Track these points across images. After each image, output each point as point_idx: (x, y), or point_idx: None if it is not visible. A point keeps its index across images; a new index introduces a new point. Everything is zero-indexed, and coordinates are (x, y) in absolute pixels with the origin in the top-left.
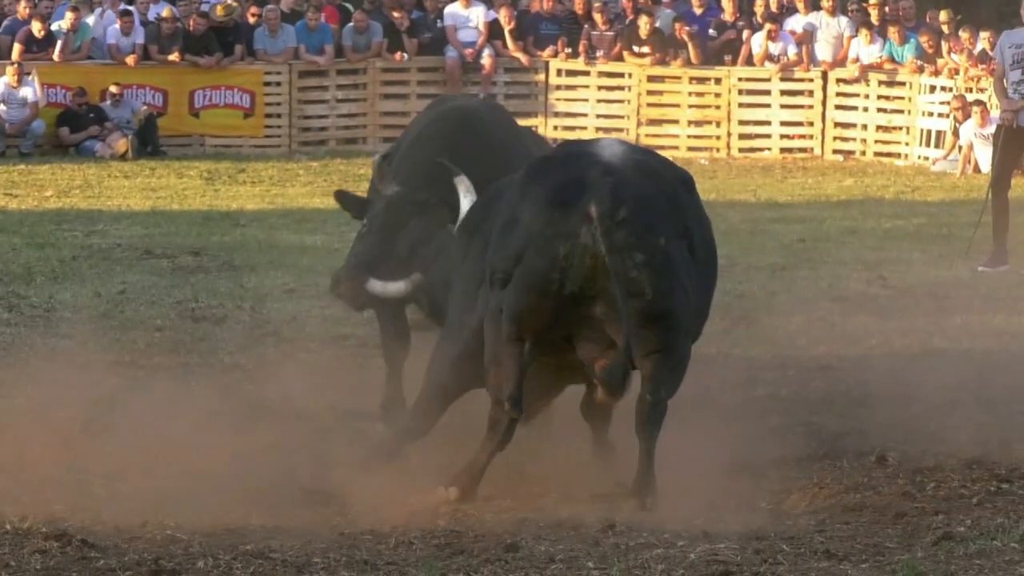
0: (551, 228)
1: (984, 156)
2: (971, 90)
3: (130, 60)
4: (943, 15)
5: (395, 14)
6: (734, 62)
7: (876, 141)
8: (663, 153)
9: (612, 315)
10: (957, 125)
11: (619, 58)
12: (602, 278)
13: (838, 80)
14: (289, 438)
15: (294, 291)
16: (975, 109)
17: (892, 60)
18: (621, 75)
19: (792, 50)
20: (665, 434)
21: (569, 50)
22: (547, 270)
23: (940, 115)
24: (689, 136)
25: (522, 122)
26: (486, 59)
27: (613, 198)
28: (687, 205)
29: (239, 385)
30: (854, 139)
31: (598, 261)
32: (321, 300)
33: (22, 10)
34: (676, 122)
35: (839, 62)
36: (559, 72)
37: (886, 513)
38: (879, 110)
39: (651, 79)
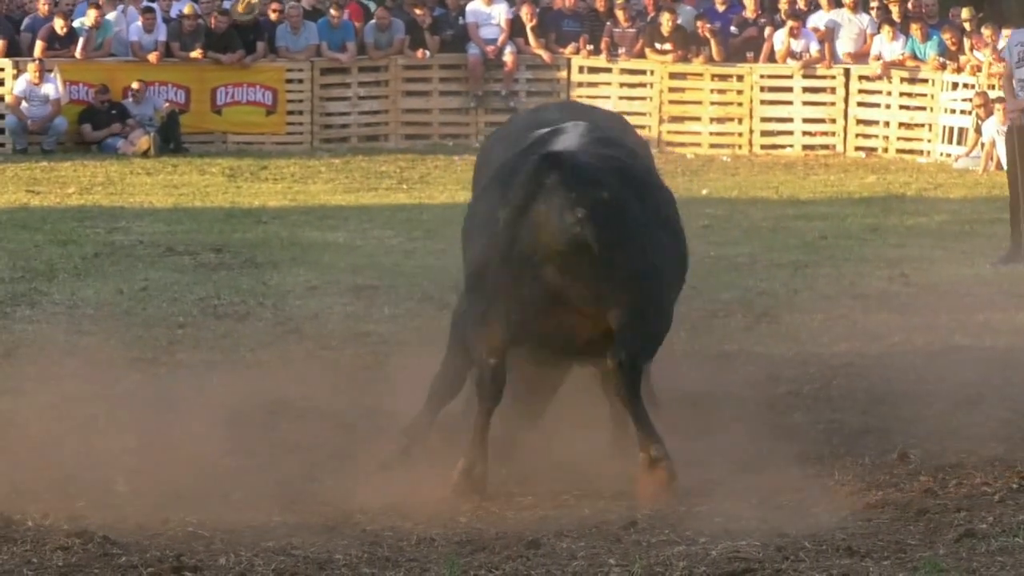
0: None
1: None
2: (993, 87)
3: (152, 57)
4: (964, 12)
5: (417, 11)
6: (756, 59)
7: (898, 138)
8: (685, 151)
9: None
10: (979, 122)
11: (641, 55)
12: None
13: (860, 77)
14: (311, 435)
15: (316, 288)
16: (997, 106)
17: (914, 57)
18: (643, 72)
19: (814, 47)
20: (687, 431)
21: (591, 47)
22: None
23: (963, 112)
24: (711, 133)
25: None
26: (508, 56)
27: (566, 163)
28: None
29: (261, 381)
30: (876, 136)
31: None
32: (343, 297)
33: (43, 7)
34: (698, 119)
35: (861, 55)
36: (581, 69)
37: (908, 510)
38: (901, 107)
39: (673, 76)
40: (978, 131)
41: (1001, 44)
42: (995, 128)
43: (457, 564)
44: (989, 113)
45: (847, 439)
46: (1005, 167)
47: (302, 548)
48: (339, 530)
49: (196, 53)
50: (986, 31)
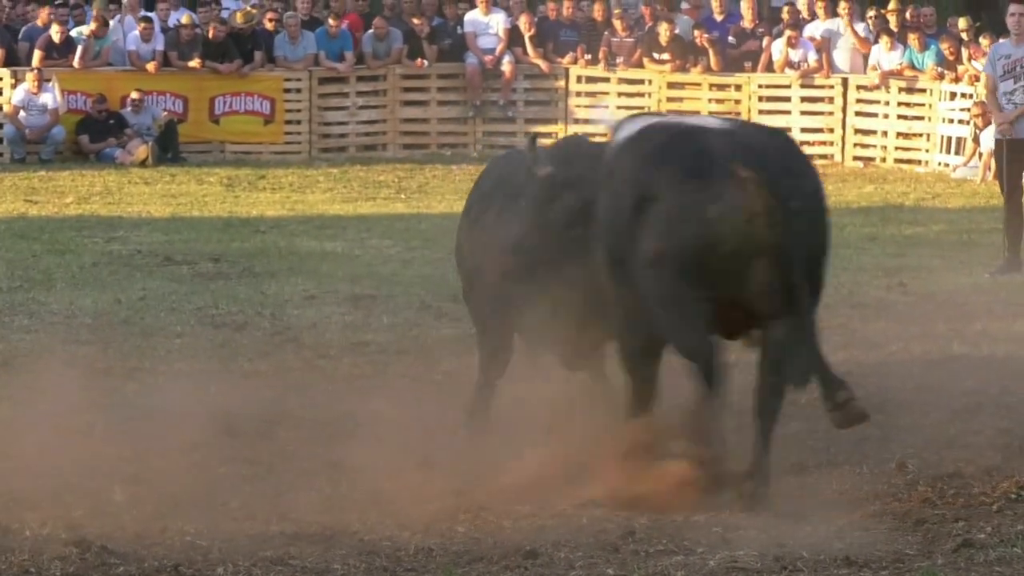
0: (700, 196)
1: None
2: None
3: (150, 67)
4: (962, 22)
5: (415, 21)
6: (754, 69)
7: (896, 148)
8: None
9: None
10: (977, 132)
11: (639, 65)
12: (757, 238)
13: (858, 87)
14: (309, 445)
15: (314, 297)
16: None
17: (912, 67)
18: (641, 82)
19: (812, 57)
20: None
21: (589, 56)
22: (705, 236)
23: (960, 122)
24: None
25: (541, 128)
26: (506, 66)
27: (754, 160)
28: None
29: (259, 391)
30: (874, 146)
31: (754, 221)
32: (341, 306)
33: (44, 16)
34: None
35: (858, 62)
36: (579, 79)
37: (906, 520)
38: (899, 117)
39: (671, 86)
40: (976, 141)
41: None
42: (993, 137)
43: (455, 574)
44: (987, 123)
45: (845, 448)
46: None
47: (300, 558)
48: (337, 540)
49: (194, 63)
50: (984, 40)
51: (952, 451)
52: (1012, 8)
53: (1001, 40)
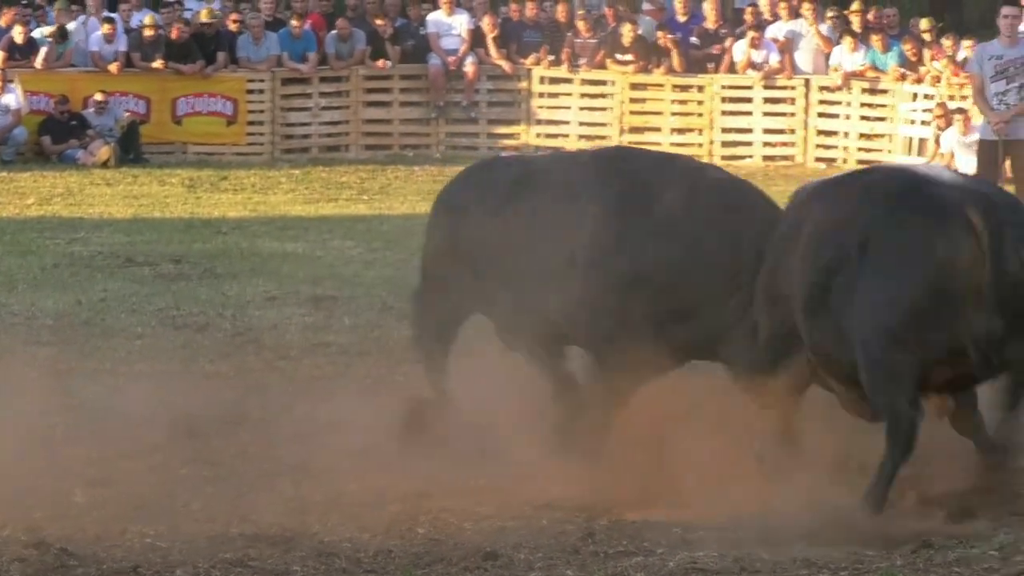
0: (936, 242)
1: (966, 164)
2: (953, 98)
3: (113, 68)
4: (924, 23)
5: (378, 22)
6: (717, 70)
7: (859, 149)
8: None
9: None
10: (939, 133)
11: (602, 66)
12: (986, 284)
13: (821, 88)
14: (270, 446)
15: (275, 298)
16: (957, 117)
17: (875, 68)
18: (604, 83)
19: (774, 58)
20: (648, 442)
21: (552, 57)
22: (937, 281)
23: (923, 123)
24: (672, 144)
25: (504, 129)
26: (469, 66)
27: (985, 205)
28: None
29: (220, 392)
30: (836, 147)
31: (985, 267)
32: (302, 307)
33: (7, 17)
34: (659, 130)
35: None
36: (542, 80)
37: (867, 521)
38: (862, 118)
39: (634, 87)
40: (938, 142)
41: (962, 55)
42: (955, 139)
43: (414, 575)
44: (949, 124)
45: (807, 449)
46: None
47: (259, 559)
48: (297, 541)
49: (157, 63)
50: (946, 42)
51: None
52: (1005, 10)
53: (988, 41)
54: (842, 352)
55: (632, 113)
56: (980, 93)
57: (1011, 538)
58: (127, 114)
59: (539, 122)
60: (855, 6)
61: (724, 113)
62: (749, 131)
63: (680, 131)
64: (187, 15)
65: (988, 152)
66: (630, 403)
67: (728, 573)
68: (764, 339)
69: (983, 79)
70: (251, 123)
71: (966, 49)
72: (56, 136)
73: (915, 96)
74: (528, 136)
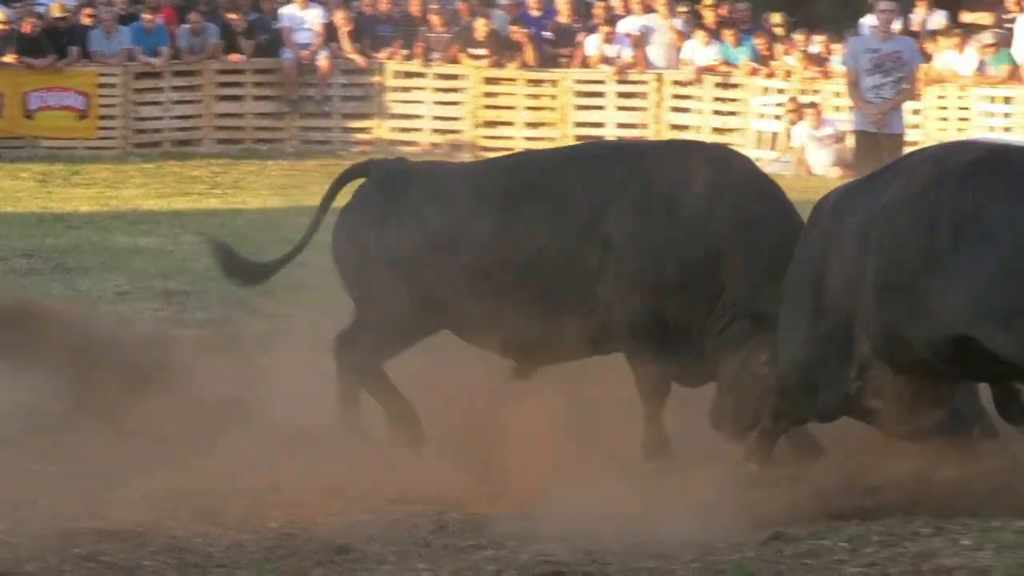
0: None
1: (817, 158)
2: (805, 92)
3: None
4: (776, 17)
5: (231, 15)
6: (570, 64)
7: (711, 142)
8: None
9: None
10: (791, 127)
11: (455, 60)
12: None
13: (673, 82)
14: (121, 441)
15: (127, 293)
16: (808, 111)
17: (727, 62)
18: (457, 77)
19: (627, 52)
20: (501, 437)
21: (406, 52)
22: None
23: (775, 117)
24: (525, 138)
25: (358, 124)
26: (322, 61)
27: None
28: None
29: (71, 387)
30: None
31: None
32: (154, 302)
33: None
34: (512, 124)
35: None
36: (396, 74)
37: (718, 512)
38: (714, 112)
39: (487, 81)
40: (789, 135)
41: (814, 49)
42: (806, 133)
43: (266, 569)
44: (800, 118)
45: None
46: (819, 171)
47: (111, 554)
48: (148, 536)
49: (8, 58)
50: (798, 36)
51: None
52: (882, 5)
53: (862, 34)
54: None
55: (485, 107)
56: (855, 86)
57: (862, 529)
58: None
59: (392, 116)
60: (707, 1)
61: (577, 107)
62: (602, 125)
63: (533, 125)
64: (39, 9)
65: (865, 144)
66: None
67: (579, 566)
68: (798, 354)
69: (858, 72)
70: (103, 117)
71: (818, 44)
72: None
73: (767, 90)
74: (381, 131)
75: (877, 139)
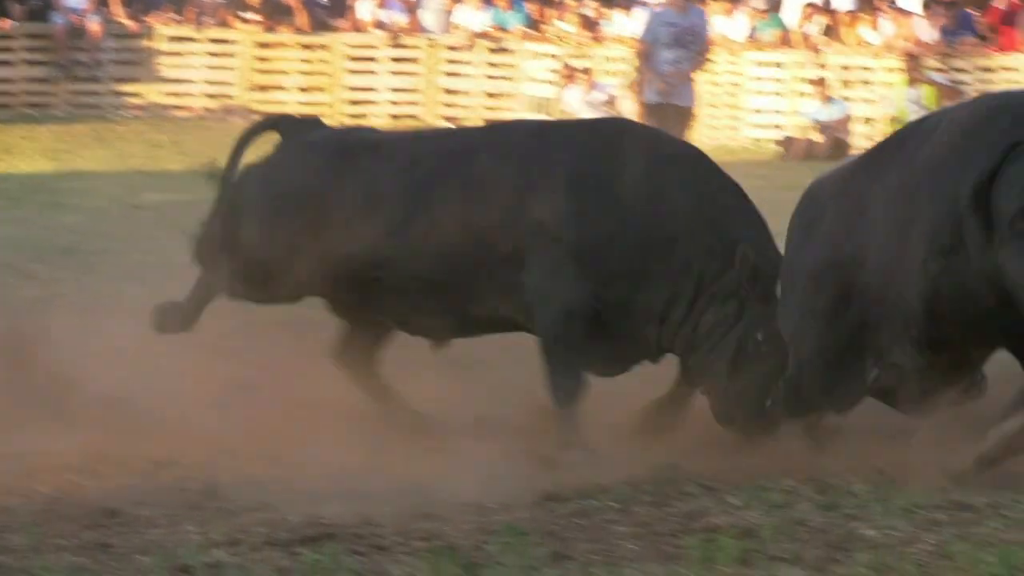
0: None
1: None
2: (577, 57)
3: None
4: None
5: None
6: (342, 29)
7: (484, 107)
8: None
9: None
10: (563, 91)
11: (227, 24)
12: None
13: (447, 47)
14: None
15: None
16: (581, 76)
17: (499, 27)
18: (229, 42)
19: (400, 17)
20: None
21: (177, 16)
22: None
23: (547, 82)
24: (298, 103)
25: (129, 88)
26: (93, 25)
27: None
28: None
29: None
30: (462, 105)
31: None
32: None
33: None
34: (284, 89)
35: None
36: (167, 38)
37: (491, 472)
38: (487, 77)
39: (260, 46)
40: (562, 101)
41: (584, 15)
42: (578, 97)
43: (34, 532)
44: (572, 83)
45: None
46: None
47: None
48: None
49: None
50: (571, 1)
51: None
52: None
53: (656, 8)
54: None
55: (258, 72)
56: (647, 58)
57: (632, 490)
58: None
59: (164, 80)
60: None
61: (350, 72)
62: (375, 90)
63: (306, 90)
64: None
65: (654, 115)
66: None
67: (350, 528)
68: (814, 350)
69: (654, 45)
70: None
71: (591, 9)
72: None
73: (539, 55)
74: (153, 95)
75: (666, 110)
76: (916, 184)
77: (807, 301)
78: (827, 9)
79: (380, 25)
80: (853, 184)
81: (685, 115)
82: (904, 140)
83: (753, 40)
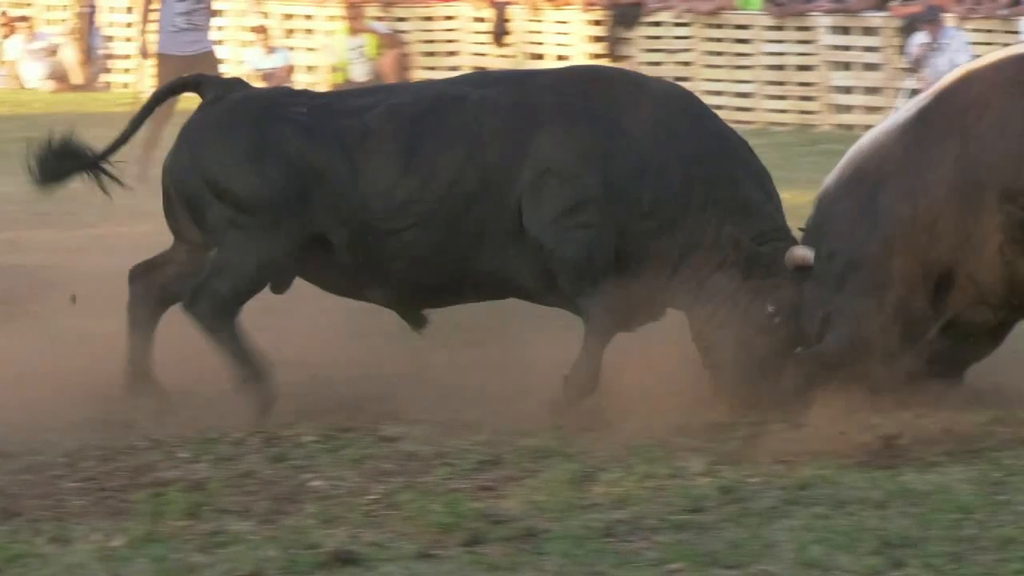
0: None
1: (30, 72)
2: (17, 5)
3: None
4: None
5: None
6: None
7: None
8: None
9: None
10: (3, 41)
11: None
12: None
13: None
14: None
15: None
16: (21, 25)
17: None
18: None
19: None
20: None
21: None
22: None
23: None
24: None
25: None
26: None
27: None
28: None
29: None
30: None
31: None
32: None
33: None
34: None
35: None
36: None
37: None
38: None
39: None
40: (3, 50)
41: None
42: (20, 46)
43: None
44: (13, 32)
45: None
46: (32, 85)
47: None
48: None
49: None
50: None
51: None
52: None
53: None
54: None
55: None
56: (147, 9)
57: (78, 444)
58: None
59: None
60: None
61: None
62: None
63: None
64: None
65: (171, 66)
66: None
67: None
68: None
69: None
70: None
71: None
72: None
73: None
74: None
75: (184, 60)
76: (980, 155)
77: (874, 276)
78: None
79: None
80: (910, 159)
81: (210, 60)
82: (950, 103)
83: None
